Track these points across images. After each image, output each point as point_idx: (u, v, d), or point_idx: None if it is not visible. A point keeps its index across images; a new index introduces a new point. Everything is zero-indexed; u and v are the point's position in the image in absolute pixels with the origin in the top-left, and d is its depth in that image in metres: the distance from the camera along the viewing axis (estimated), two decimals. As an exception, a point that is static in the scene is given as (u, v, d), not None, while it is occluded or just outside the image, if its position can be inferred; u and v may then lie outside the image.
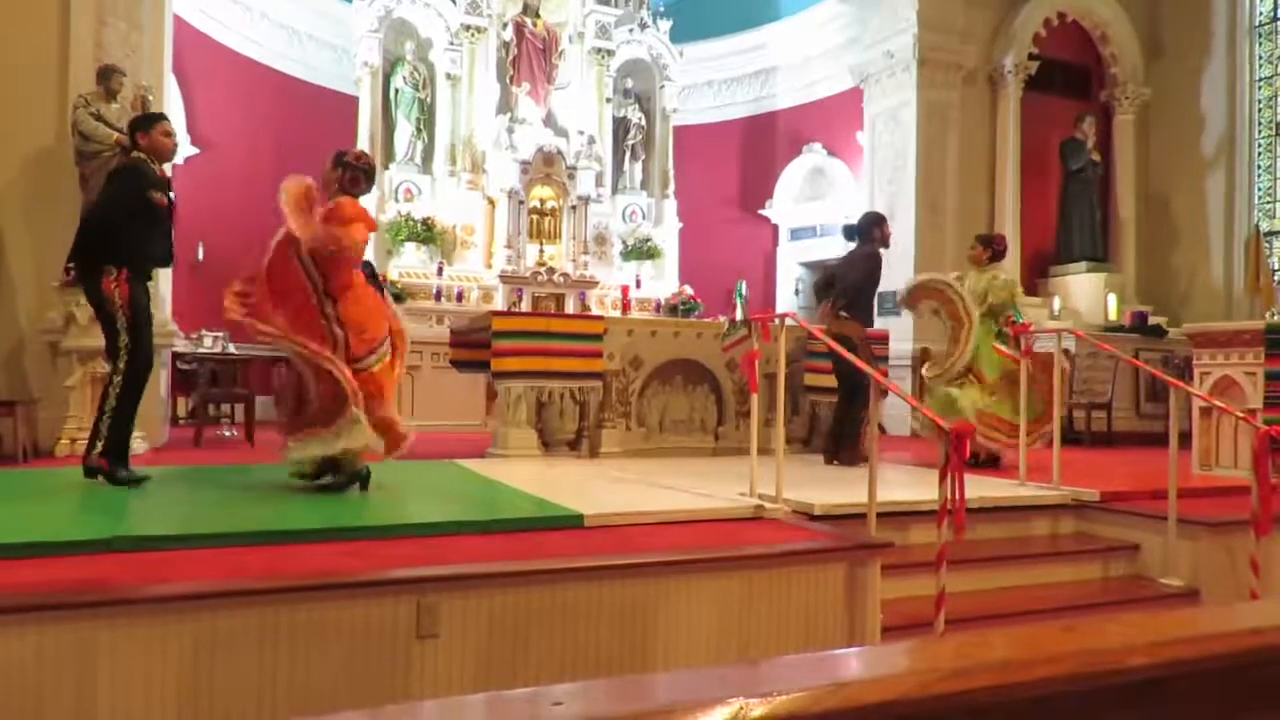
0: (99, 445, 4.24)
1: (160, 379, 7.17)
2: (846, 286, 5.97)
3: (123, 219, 4.24)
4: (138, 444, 6.35)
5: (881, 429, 6.36)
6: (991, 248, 6.16)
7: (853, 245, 6.25)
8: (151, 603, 2.48)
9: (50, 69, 6.59)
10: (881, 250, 6.23)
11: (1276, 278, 9.80)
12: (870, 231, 6.12)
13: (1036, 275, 10.67)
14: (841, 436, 6.06)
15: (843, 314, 5.91)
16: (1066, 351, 7.42)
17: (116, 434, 4.27)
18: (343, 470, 4.14)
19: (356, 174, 4.32)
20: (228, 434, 8.03)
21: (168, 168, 4.71)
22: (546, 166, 10.71)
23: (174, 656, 2.45)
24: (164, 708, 2.44)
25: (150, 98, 6.77)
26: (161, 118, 4.61)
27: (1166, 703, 0.87)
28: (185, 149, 9.29)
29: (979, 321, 5.75)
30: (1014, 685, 0.79)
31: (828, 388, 6.64)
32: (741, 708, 0.68)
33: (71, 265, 4.51)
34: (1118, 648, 0.86)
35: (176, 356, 7.87)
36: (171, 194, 4.48)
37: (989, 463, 5.86)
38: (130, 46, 6.83)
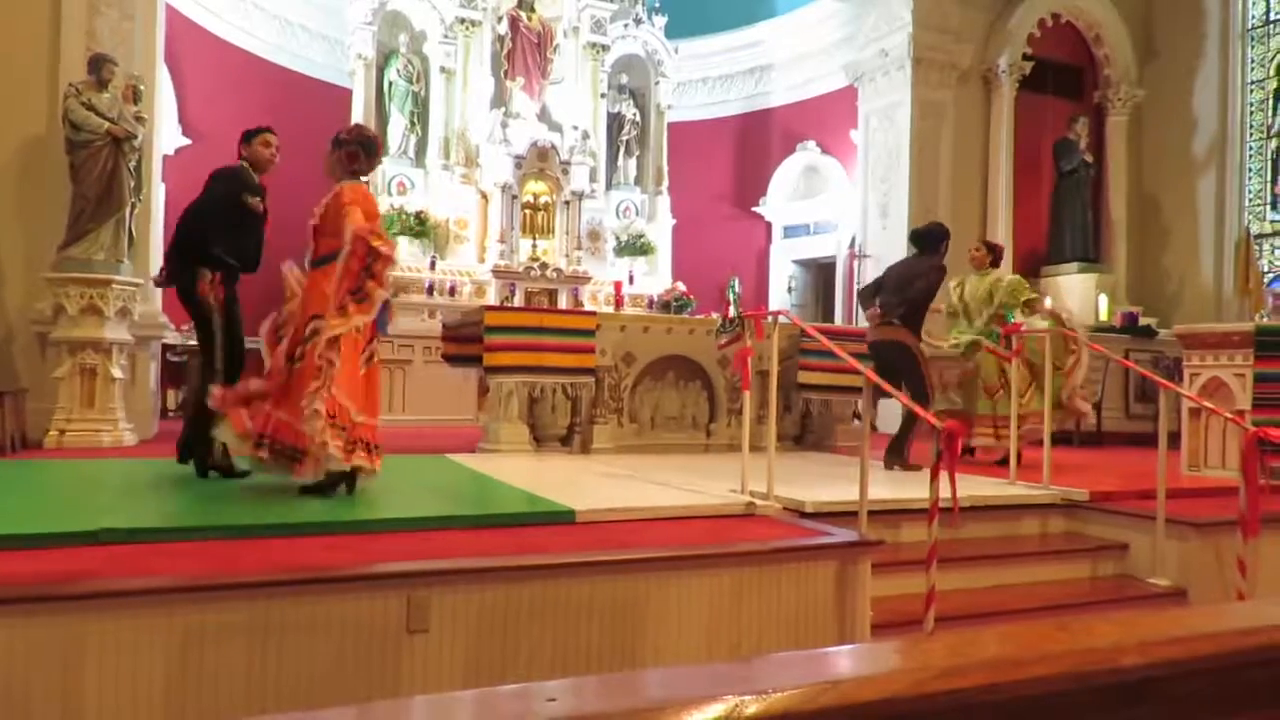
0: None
1: (150, 371, 7.14)
2: (914, 295, 5.83)
3: (219, 220, 4.32)
4: (127, 436, 6.33)
5: (873, 427, 6.36)
6: (994, 253, 6.45)
7: (913, 251, 6.14)
8: (139, 595, 2.47)
9: (41, 58, 6.55)
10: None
11: (1266, 280, 9.86)
12: (939, 245, 6.01)
13: (1028, 275, 10.64)
14: (903, 443, 5.92)
15: (895, 321, 5.77)
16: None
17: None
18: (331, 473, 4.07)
19: (354, 150, 4.11)
20: (218, 427, 7.97)
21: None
22: (540, 161, 10.68)
23: (162, 650, 2.44)
24: (151, 701, 2.43)
25: (142, 87, 6.73)
26: (265, 130, 4.63)
27: (1157, 702, 0.87)
28: (176, 139, 9.24)
29: (977, 327, 6.13)
30: (1006, 684, 0.79)
31: (826, 386, 6.67)
32: (736, 705, 0.68)
33: (164, 265, 4.58)
34: (1109, 647, 0.87)
35: (166, 348, 7.83)
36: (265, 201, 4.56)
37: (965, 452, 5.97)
38: (122, 36, 6.78)
